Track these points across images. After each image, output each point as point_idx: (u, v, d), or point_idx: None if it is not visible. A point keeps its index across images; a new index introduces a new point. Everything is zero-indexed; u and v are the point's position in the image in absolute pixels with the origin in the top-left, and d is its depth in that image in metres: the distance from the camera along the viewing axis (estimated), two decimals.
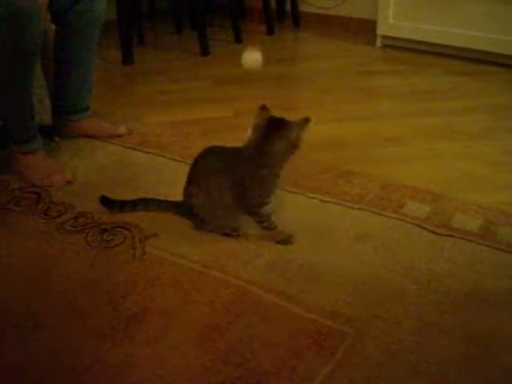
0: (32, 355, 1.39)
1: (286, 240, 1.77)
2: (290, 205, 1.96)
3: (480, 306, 1.51)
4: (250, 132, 1.71)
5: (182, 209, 1.83)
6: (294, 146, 1.66)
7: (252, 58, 3.00)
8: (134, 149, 2.37)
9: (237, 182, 1.68)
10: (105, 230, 1.83)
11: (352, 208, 1.93)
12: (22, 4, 1.81)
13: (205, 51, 3.56)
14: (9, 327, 1.48)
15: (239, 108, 2.69)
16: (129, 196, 1.93)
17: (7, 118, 2.07)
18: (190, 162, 1.79)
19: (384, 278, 1.61)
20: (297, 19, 4.17)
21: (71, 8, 2.17)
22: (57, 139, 2.41)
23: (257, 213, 1.73)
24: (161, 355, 1.38)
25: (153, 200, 1.90)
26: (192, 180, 1.76)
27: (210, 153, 1.76)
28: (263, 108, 1.69)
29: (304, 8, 4.18)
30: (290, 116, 2.61)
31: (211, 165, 1.72)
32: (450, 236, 1.78)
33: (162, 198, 1.91)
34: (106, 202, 1.91)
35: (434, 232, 1.80)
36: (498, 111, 2.72)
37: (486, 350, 1.38)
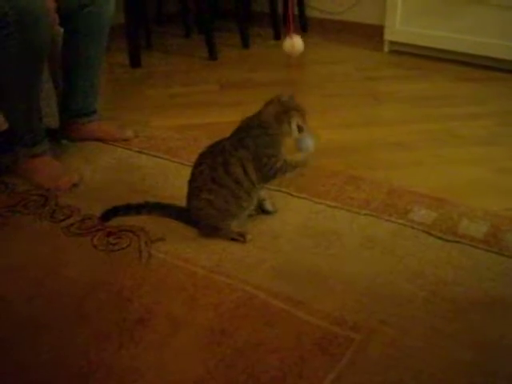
0: (38, 357, 1.39)
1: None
2: (296, 210, 1.96)
3: (487, 313, 1.51)
4: None
5: (185, 216, 1.84)
6: (283, 111, 1.75)
7: (294, 42, 3.19)
8: (140, 152, 2.37)
9: (253, 153, 1.74)
10: (111, 233, 1.84)
11: (358, 213, 1.93)
12: (29, 7, 1.81)
13: (212, 55, 3.57)
14: (15, 329, 1.48)
15: (246, 112, 2.67)
16: (135, 200, 1.93)
17: (15, 120, 2.08)
18: None
19: (390, 284, 1.61)
20: (304, 24, 4.17)
21: (79, 11, 2.18)
22: (64, 142, 2.42)
23: (284, 173, 1.79)
24: (166, 359, 1.38)
25: (157, 206, 1.90)
26: (198, 190, 1.76)
27: (208, 151, 1.78)
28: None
29: (311, 13, 4.19)
30: None
31: (222, 149, 1.74)
32: (457, 242, 1.77)
33: (167, 202, 1.91)
34: (108, 214, 1.90)
35: (440, 238, 1.79)
36: (504, 117, 2.71)
37: (494, 356, 1.37)
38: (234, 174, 1.73)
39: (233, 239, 1.79)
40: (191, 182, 1.78)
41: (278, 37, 3.96)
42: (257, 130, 1.75)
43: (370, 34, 3.85)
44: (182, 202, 1.83)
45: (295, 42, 3.36)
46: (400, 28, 3.52)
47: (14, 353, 1.41)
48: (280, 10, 4.05)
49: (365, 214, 1.92)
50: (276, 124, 1.75)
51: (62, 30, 2.25)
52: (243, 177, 1.73)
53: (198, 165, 1.78)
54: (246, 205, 1.79)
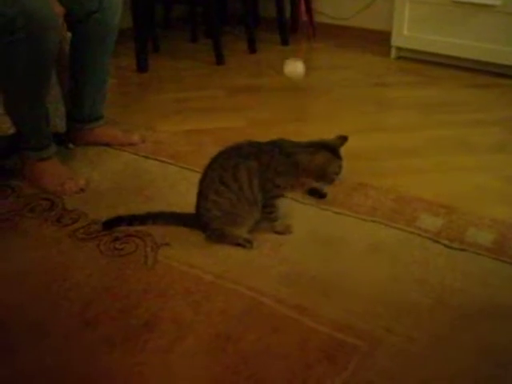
0: (43, 362, 1.39)
1: (285, 230, 1.85)
2: (303, 216, 1.95)
3: (492, 321, 1.50)
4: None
5: (191, 221, 1.84)
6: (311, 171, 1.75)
7: (295, 66, 3.15)
8: (147, 157, 2.37)
9: (262, 169, 1.73)
10: (117, 238, 1.84)
11: (365, 220, 1.92)
12: (37, 13, 1.82)
13: (220, 60, 3.57)
14: (20, 333, 1.49)
15: (253, 118, 2.69)
16: (141, 204, 1.94)
17: (22, 124, 2.09)
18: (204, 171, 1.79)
19: (396, 292, 1.61)
20: (312, 30, 4.17)
21: (88, 17, 2.19)
22: (71, 146, 2.42)
23: (272, 204, 1.79)
24: (171, 365, 1.38)
25: (161, 215, 1.89)
26: (207, 190, 1.76)
27: (226, 151, 1.77)
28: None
29: (319, 19, 4.18)
30: (303, 127, 2.63)
31: (239, 153, 1.75)
32: (463, 250, 1.77)
33: (172, 209, 1.91)
34: (112, 222, 1.89)
35: (446, 246, 1.79)
36: None
37: (499, 364, 1.37)
38: (239, 181, 1.72)
39: (239, 245, 1.78)
40: (202, 180, 1.78)
41: (286, 42, 3.96)
42: (281, 157, 1.73)
43: (378, 40, 3.85)
44: (187, 207, 1.83)
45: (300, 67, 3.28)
46: (407, 34, 3.52)
47: (19, 357, 1.41)
48: (287, 15, 4.05)
49: (371, 221, 1.92)
50: (313, 170, 1.75)
51: (70, 35, 2.26)
52: (247, 186, 1.73)
53: (211, 163, 1.77)
54: (250, 211, 1.78)
